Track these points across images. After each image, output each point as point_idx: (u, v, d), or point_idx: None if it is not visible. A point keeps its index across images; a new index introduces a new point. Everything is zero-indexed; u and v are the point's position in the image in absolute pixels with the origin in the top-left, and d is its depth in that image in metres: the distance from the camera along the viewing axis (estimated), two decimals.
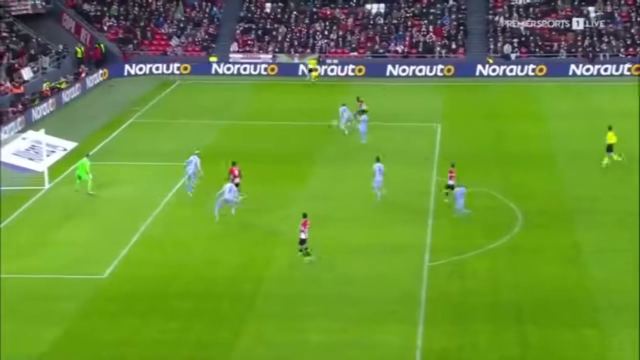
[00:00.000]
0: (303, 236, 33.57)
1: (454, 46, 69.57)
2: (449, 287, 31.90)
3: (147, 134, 52.74)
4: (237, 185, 39.27)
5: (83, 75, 64.41)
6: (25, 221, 38.91)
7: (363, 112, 51.26)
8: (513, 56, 68.14)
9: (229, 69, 68.89)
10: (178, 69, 68.29)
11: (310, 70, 66.26)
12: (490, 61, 67.62)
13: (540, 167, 45.08)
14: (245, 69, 68.74)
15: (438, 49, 69.41)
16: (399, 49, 69.59)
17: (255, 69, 68.64)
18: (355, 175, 42.52)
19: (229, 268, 33.71)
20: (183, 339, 28.50)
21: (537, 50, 68.63)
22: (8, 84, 57.69)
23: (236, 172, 39.79)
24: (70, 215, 39.37)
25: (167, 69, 68.65)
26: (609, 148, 43.92)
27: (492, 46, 69.26)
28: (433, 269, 33.36)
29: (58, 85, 61.00)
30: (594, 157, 44.71)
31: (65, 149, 44.61)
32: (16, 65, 60.46)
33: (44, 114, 56.28)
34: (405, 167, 43.57)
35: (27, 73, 60.87)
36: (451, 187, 39.11)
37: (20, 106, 55.41)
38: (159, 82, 66.23)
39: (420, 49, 69.48)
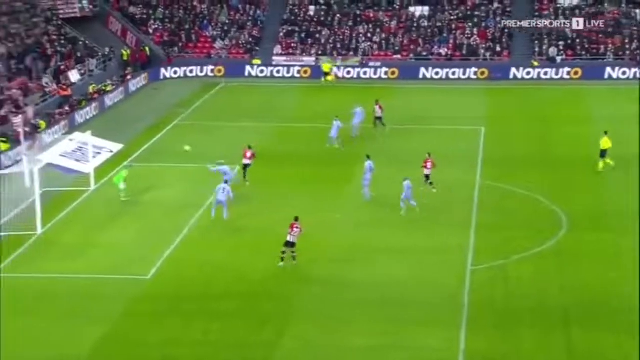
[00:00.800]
0: (290, 239, 33.24)
1: (498, 49, 69.12)
2: (493, 291, 31.69)
3: (191, 136, 52.94)
4: (246, 167, 41.85)
5: (129, 78, 65.03)
6: (71, 222, 39.33)
7: (378, 118, 51.37)
8: (559, 59, 67.51)
9: (262, 71, 68.86)
10: (212, 71, 68.72)
11: (325, 74, 66.35)
12: (536, 64, 67.05)
13: (585, 171, 44.57)
14: (278, 72, 68.76)
15: (482, 51, 69.01)
16: (443, 51, 69.30)
17: (288, 72, 68.68)
18: (399, 176, 42.26)
19: (271, 269, 33.77)
20: (226, 340, 28.61)
21: (583, 53, 67.93)
22: (55, 86, 58.40)
23: (248, 155, 42.09)
24: (116, 216, 39.73)
25: (201, 71, 69.04)
26: (603, 153, 43.62)
27: (537, 49, 68.67)
28: (476, 272, 33.14)
29: (104, 88, 61.62)
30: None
31: (111, 151, 44.91)
32: (63, 68, 61.18)
33: (87, 117, 56.78)
34: (449, 170, 43.31)
35: (74, 75, 61.56)
36: (427, 177, 40.59)
37: (67, 108, 56.06)
38: (202, 85, 66.59)
39: (464, 52, 69.14)
